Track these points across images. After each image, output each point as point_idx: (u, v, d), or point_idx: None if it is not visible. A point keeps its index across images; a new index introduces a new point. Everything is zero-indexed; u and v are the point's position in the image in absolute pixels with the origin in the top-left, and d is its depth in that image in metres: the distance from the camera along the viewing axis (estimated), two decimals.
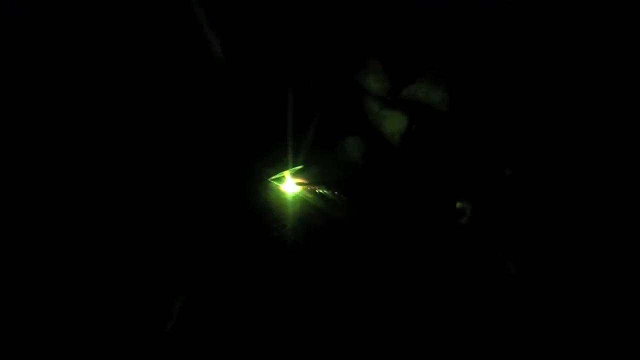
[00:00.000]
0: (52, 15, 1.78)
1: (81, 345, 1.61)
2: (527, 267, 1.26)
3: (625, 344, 1.23)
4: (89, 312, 1.67)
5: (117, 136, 1.90)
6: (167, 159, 1.95)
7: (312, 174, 2.06)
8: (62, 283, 1.70)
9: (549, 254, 1.25)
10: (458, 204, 1.40)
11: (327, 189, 2.01)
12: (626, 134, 1.56)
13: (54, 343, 1.60)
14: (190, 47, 1.99)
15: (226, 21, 2.01)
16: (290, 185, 2.04)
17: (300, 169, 2.05)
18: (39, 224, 1.75)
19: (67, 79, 1.83)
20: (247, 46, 2.09)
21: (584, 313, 1.26)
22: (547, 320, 1.29)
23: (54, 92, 1.82)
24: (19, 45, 1.77)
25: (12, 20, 1.74)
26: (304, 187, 2.03)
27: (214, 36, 2.00)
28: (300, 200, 2.02)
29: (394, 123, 1.99)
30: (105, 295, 1.70)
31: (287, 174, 2.04)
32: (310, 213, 1.99)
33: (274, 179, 2.03)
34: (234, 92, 2.08)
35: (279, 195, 2.03)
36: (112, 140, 1.90)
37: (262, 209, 2.00)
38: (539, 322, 1.32)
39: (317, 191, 2.02)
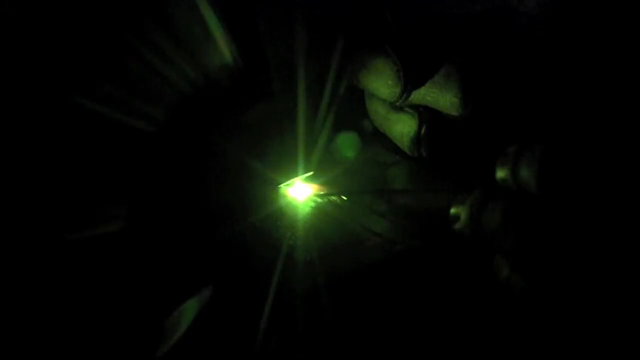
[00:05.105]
0: (52, 15, 1.81)
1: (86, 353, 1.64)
2: (524, 273, 1.23)
3: (626, 345, 1.20)
4: (95, 318, 1.69)
5: (128, 140, 1.92)
6: (176, 163, 1.97)
7: (323, 180, 2.05)
8: (68, 288, 1.73)
9: (547, 260, 1.22)
10: (453, 210, 1.37)
11: (337, 195, 2.00)
12: (630, 137, 1.52)
13: (57, 350, 1.63)
14: (200, 50, 2.00)
15: (235, 22, 2.02)
16: (301, 192, 2.03)
17: (310, 176, 2.05)
18: (40, 225, 1.77)
19: (68, 78, 1.85)
20: (257, 49, 2.11)
21: (583, 316, 1.23)
22: (545, 325, 1.27)
23: (53, 92, 1.84)
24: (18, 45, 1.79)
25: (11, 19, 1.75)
26: (315, 193, 2.03)
27: (224, 38, 2.01)
28: (311, 207, 2.02)
29: (402, 127, 1.98)
30: (112, 301, 1.72)
31: (297, 180, 2.04)
32: (321, 219, 1.99)
33: (285, 186, 2.04)
34: (244, 97, 2.10)
35: (290, 201, 2.03)
36: (124, 143, 1.92)
37: (273, 216, 2.00)
38: (536, 327, 1.30)
39: (327, 197, 2.01)
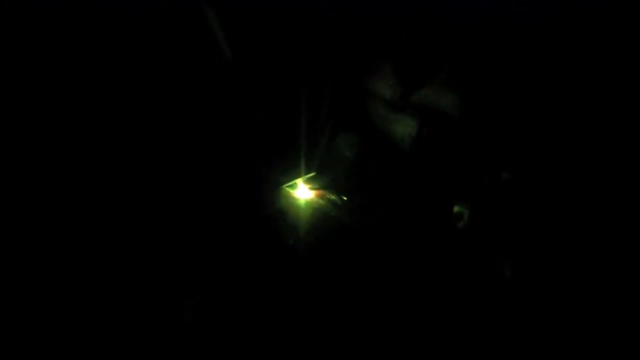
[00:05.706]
0: (52, 15, 1.81)
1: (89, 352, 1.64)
2: (525, 271, 1.24)
3: (625, 345, 1.19)
4: (98, 318, 1.69)
5: (135, 141, 1.93)
6: (180, 164, 1.98)
7: (325, 180, 2.06)
8: (71, 289, 1.73)
9: (547, 258, 1.23)
10: (456, 208, 1.38)
11: (339, 196, 2.01)
12: (626, 139, 1.52)
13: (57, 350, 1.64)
14: (202, 51, 2.01)
15: (238, 24, 2.02)
16: (303, 192, 2.04)
17: (312, 176, 2.06)
18: (44, 226, 1.78)
19: (72, 79, 1.85)
20: (260, 51, 2.11)
21: (583, 316, 1.23)
22: (545, 324, 1.27)
23: (57, 92, 1.84)
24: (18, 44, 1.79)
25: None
26: (317, 194, 2.03)
27: (226, 40, 2.01)
28: (313, 207, 2.02)
29: (404, 127, 1.98)
30: (116, 300, 1.73)
31: (299, 181, 2.05)
32: (323, 220, 1.99)
33: (287, 186, 2.04)
34: (247, 98, 2.10)
35: (292, 202, 2.03)
36: (129, 144, 1.93)
37: (276, 216, 2.00)
38: (537, 325, 1.30)
39: (329, 198, 2.02)
